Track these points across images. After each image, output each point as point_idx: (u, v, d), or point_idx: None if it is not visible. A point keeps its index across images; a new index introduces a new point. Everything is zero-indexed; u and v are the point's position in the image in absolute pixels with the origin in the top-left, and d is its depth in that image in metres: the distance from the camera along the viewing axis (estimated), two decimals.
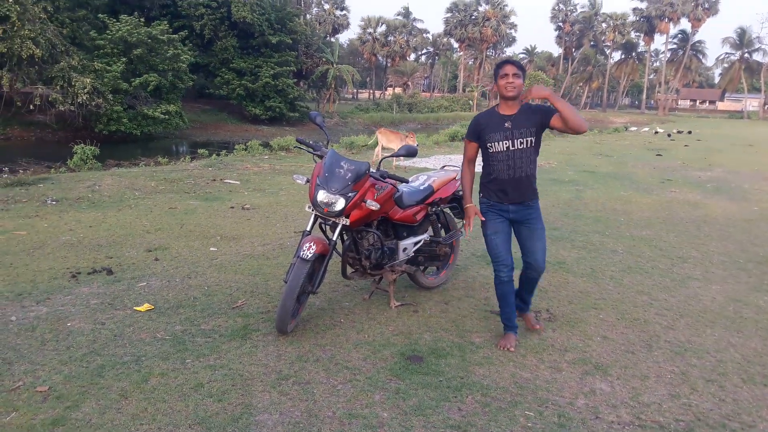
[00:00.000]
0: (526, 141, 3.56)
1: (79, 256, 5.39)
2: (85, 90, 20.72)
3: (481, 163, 3.79)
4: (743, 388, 3.39)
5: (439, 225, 4.97)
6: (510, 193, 3.64)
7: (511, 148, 3.56)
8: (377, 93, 79.18)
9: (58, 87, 20.92)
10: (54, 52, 21.01)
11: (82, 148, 12.56)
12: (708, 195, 10.75)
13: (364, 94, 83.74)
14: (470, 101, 61.44)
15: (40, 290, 4.43)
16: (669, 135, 31.12)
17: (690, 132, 33.46)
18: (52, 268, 4.99)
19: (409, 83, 67.00)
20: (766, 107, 74.84)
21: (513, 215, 3.68)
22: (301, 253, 3.61)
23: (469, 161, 3.79)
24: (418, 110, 52.58)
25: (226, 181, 10.30)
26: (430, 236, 4.67)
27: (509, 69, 3.52)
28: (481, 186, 3.78)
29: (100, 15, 25.82)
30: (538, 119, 3.57)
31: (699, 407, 3.14)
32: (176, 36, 26.94)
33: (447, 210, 4.98)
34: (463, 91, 71.33)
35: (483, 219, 3.75)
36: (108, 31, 24.47)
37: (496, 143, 3.58)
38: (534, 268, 3.77)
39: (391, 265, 4.30)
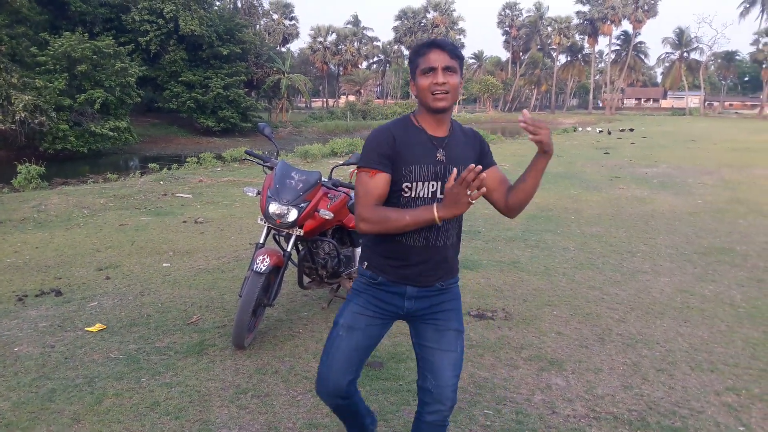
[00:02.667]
0: None
1: (26, 278, 5.21)
2: (26, 108, 20.06)
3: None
4: (691, 375, 3.51)
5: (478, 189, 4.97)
6: (416, 270, 2.09)
7: (439, 194, 2.04)
8: (330, 101, 79.17)
9: None
10: None
11: (27, 167, 12.17)
12: (654, 190, 11.12)
13: (317, 103, 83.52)
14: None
15: None
16: (610, 133, 32.11)
17: (632, 130, 34.54)
18: None
19: (362, 91, 67.15)
20: (706, 104, 77.94)
21: (410, 306, 2.14)
22: (255, 266, 3.58)
23: (377, 204, 2.00)
24: (372, 117, 52.74)
25: (177, 194, 10.12)
26: None
27: (438, 58, 1.97)
28: (364, 250, 2.23)
29: (41, 33, 25.06)
30: (475, 155, 2.16)
31: (650, 396, 3.24)
32: (123, 49, 26.35)
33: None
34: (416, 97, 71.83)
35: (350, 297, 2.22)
36: (49, 47, 23.77)
37: (420, 184, 2.03)
38: (438, 399, 2.13)
39: (348, 272, 4.30)
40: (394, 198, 2.04)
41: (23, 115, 20.12)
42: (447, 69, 1.97)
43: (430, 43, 2.01)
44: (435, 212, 1.88)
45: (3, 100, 20.19)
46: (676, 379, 3.45)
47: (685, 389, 3.34)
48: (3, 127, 20.61)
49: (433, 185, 2.04)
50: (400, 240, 2.06)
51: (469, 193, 1.80)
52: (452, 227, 2.12)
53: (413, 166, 2.01)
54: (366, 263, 2.17)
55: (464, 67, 2.09)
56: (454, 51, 2.00)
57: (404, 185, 2.02)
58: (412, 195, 2.03)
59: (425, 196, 2.04)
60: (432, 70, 1.97)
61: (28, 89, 21.24)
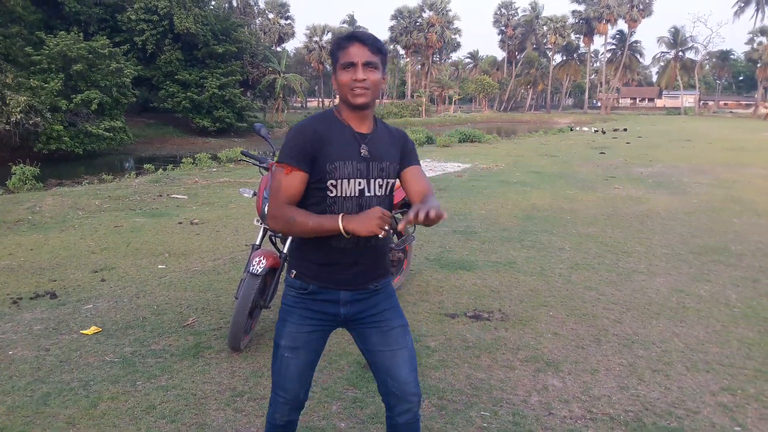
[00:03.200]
0: (386, 185, 2.05)
1: (20, 280, 5.19)
2: (21, 108, 19.98)
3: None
4: (687, 375, 3.52)
5: (391, 231, 4.99)
6: (349, 273, 2.03)
7: (366, 193, 1.99)
8: (326, 101, 79.10)
9: None
10: None
11: (21, 168, 12.11)
12: (650, 190, 11.14)
13: (313, 103, 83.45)
14: (419, 107, 61.97)
15: None
16: (604, 132, 32.25)
17: (625, 129, 34.69)
18: None
19: None
20: (701, 103, 78.16)
21: (346, 312, 2.07)
22: (251, 268, 3.57)
23: (289, 203, 1.95)
24: None
25: (173, 196, 10.09)
26: None
27: (358, 53, 1.90)
28: (292, 259, 2.13)
29: (36, 32, 24.97)
30: (398, 153, 2.09)
31: (646, 397, 3.24)
32: (118, 50, 26.27)
33: (398, 215, 5.01)
34: (412, 97, 71.92)
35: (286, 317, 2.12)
36: (45, 47, 23.69)
37: (345, 181, 1.96)
38: (403, 398, 2.10)
39: None
40: (319, 197, 1.97)
41: (19, 117, 20.04)
42: (368, 64, 1.90)
43: (350, 36, 1.93)
44: (340, 223, 1.85)
45: None
46: (672, 380, 3.46)
47: (681, 389, 3.34)
48: None
49: (360, 183, 1.97)
50: (330, 243, 1.98)
51: (385, 228, 1.81)
52: None
53: (338, 162, 1.93)
54: (294, 272, 2.08)
55: (387, 63, 2.00)
56: (375, 45, 1.92)
57: (329, 182, 1.94)
58: (338, 194, 1.96)
59: (352, 194, 1.97)
60: (352, 65, 1.90)
61: (23, 89, 21.16)
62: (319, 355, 2.14)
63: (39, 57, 23.45)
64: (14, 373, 3.41)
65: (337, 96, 2.00)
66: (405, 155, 2.09)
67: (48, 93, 22.09)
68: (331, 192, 1.95)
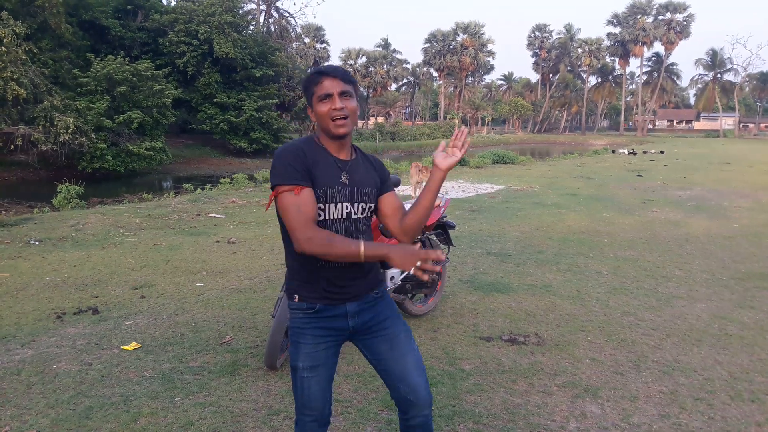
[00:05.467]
0: (368, 208, 2.14)
1: (64, 296, 5.34)
2: (69, 130, 20.70)
3: (283, 245, 2.20)
4: (731, 405, 3.42)
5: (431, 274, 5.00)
6: (353, 285, 2.11)
7: (353, 215, 2.08)
8: (360, 123, 79.83)
9: (40, 127, 20.88)
10: (36, 92, 21.05)
11: (67, 187, 12.52)
12: (689, 214, 10.92)
13: None
14: (452, 128, 62.06)
15: (25, 332, 4.38)
16: (635, 153, 31.88)
17: (662, 152, 34.17)
18: (36, 309, 4.94)
19: (391, 112, 67.67)
20: (741, 125, 76.43)
21: (354, 324, 2.14)
22: None
23: (314, 221, 1.97)
24: (401, 138, 53.02)
25: (210, 215, 10.29)
26: None
27: (332, 84, 2.01)
28: (292, 283, 2.15)
29: (86, 54, 25.96)
30: (378, 179, 2.18)
31: (688, 426, 3.16)
32: (160, 72, 27.08)
33: (432, 237, 5.02)
34: (444, 118, 72.14)
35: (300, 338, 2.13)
36: (92, 69, 24.56)
37: (332, 205, 2.04)
38: (416, 405, 2.18)
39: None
40: None
41: (67, 138, 20.75)
42: (343, 94, 2.01)
43: (320, 71, 2.04)
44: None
45: (46, 122, 20.88)
46: (716, 409, 3.36)
47: (725, 419, 3.24)
48: (45, 148, 21.27)
49: (346, 206, 2.06)
50: (327, 264, 2.05)
51: (420, 267, 1.88)
52: (367, 235, 2.13)
53: (325, 187, 2.02)
54: (297, 296, 2.11)
55: (357, 92, 2.12)
56: (345, 77, 2.04)
57: (318, 206, 2.00)
58: (327, 217, 2.03)
59: (340, 217, 2.06)
60: (328, 96, 2.00)
61: (69, 111, 21.93)
62: (335, 369, 2.20)
63: (86, 79, 24.33)
64: (58, 386, 3.50)
65: (317, 127, 2.10)
66: (383, 182, 2.19)
67: (94, 114, 22.84)
68: (320, 216, 2.02)
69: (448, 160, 2.07)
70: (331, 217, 2.04)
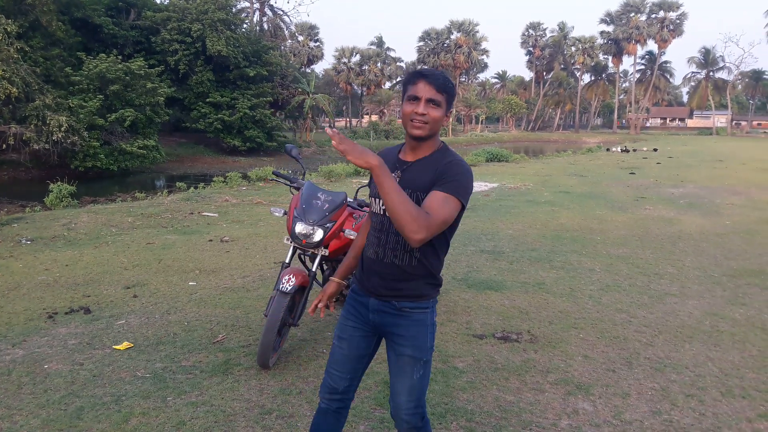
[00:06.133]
0: None
1: (56, 295, 5.31)
2: (61, 129, 20.59)
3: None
4: (722, 401, 3.44)
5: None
6: (372, 281, 2.20)
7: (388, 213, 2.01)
8: (354, 121, 79.76)
9: (32, 126, 20.75)
10: (28, 90, 20.89)
11: (59, 186, 12.43)
12: (681, 211, 10.96)
13: (341, 123, 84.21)
14: (445, 126, 62.11)
15: (16, 332, 4.36)
16: (627, 151, 31.95)
17: (655, 149, 34.30)
18: (27, 309, 4.91)
19: (385, 111, 67.55)
20: (733, 123, 76.80)
21: (374, 320, 2.23)
22: (281, 286, 3.61)
23: None
24: (395, 137, 52.99)
25: (204, 213, 10.25)
26: None
27: (424, 89, 2.03)
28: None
29: (78, 53, 25.80)
30: (426, 183, 2.07)
31: (680, 422, 3.17)
32: (153, 71, 26.96)
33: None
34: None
35: (332, 310, 2.50)
36: (84, 68, 24.42)
37: (376, 199, 2.19)
38: (396, 417, 2.27)
39: None
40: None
41: (59, 136, 20.63)
42: (430, 101, 2.02)
43: (420, 72, 2.06)
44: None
45: (38, 120, 20.75)
46: (707, 405, 3.38)
47: (716, 416, 3.26)
48: (38, 147, 21.15)
49: (382, 203, 2.13)
50: (366, 253, 2.25)
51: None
52: (398, 246, 2.12)
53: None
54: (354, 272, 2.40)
55: (450, 103, 2.09)
56: (441, 86, 2.03)
57: (371, 197, 2.23)
58: (373, 209, 2.22)
59: (378, 211, 2.18)
60: (416, 99, 2.03)
61: (62, 109, 21.80)
62: (362, 354, 2.30)
63: (78, 78, 24.19)
64: (49, 386, 3.48)
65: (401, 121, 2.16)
66: (436, 181, 2.05)
67: (87, 113, 22.72)
68: (372, 206, 2.23)
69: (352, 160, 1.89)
70: (374, 211, 2.21)
